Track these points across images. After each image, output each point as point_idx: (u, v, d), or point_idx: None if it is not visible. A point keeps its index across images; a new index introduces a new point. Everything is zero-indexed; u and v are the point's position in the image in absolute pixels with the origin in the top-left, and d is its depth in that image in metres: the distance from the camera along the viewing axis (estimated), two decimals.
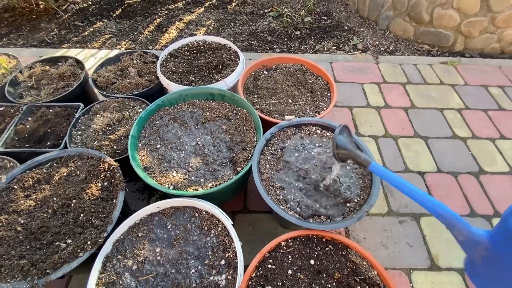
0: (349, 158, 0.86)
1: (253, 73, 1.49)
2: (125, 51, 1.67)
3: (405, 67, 2.19)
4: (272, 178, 1.02)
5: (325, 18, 2.74)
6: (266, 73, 1.50)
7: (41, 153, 1.22)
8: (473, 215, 1.41)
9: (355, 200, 0.98)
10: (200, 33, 2.55)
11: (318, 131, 1.17)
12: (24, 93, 1.51)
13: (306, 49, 2.39)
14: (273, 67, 1.53)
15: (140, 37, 2.52)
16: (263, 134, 1.15)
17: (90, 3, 2.94)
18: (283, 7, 2.79)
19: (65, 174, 0.99)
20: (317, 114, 1.29)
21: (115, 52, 2.30)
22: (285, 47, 2.40)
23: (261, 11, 2.83)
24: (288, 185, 1.01)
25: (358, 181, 1.02)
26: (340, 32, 2.57)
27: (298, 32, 2.54)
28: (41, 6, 2.82)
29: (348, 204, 0.97)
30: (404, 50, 2.42)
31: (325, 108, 1.31)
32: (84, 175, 0.99)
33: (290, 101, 1.35)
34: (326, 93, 1.40)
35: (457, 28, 2.29)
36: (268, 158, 1.08)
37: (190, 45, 1.59)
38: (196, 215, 0.97)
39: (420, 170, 1.57)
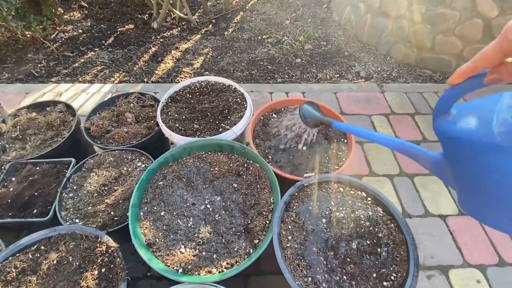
0: (317, 121, 1.05)
1: (262, 118, 1.38)
2: (120, 93, 1.55)
3: (411, 95, 2.13)
4: (296, 254, 0.90)
5: (325, 43, 2.70)
6: (276, 116, 1.39)
7: (26, 224, 1.08)
8: (502, 264, 1.31)
9: (392, 278, 0.87)
10: (198, 62, 2.45)
11: (341, 189, 1.06)
12: (7, 145, 1.36)
13: (309, 78, 2.31)
14: (282, 109, 1.43)
15: (135, 68, 2.41)
16: (280, 193, 1.04)
17: (80, 31, 2.82)
18: (281, 33, 2.74)
19: (54, 262, 0.84)
20: (336, 167, 1.18)
21: (108, 86, 2.17)
22: (286, 76, 2.32)
23: (259, 37, 2.76)
24: (316, 262, 0.89)
25: (393, 252, 0.91)
26: (341, 59, 2.52)
27: (298, 60, 2.48)
28: (28, 36, 2.68)
29: (385, 284, 0.85)
30: (407, 76, 2.38)
31: (343, 159, 1.21)
32: (77, 263, 0.84)
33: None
34: (342, 139, 1.31)
35: (459, 54, 2.26)
36: (290, 227, 0.96)
37: (192, 86, 1.48)
38: None
39: (441, 214, 1.48)
